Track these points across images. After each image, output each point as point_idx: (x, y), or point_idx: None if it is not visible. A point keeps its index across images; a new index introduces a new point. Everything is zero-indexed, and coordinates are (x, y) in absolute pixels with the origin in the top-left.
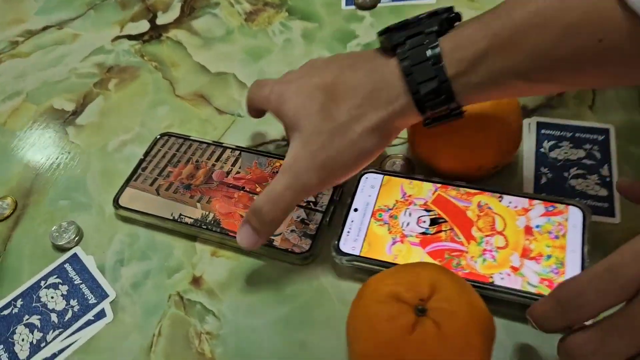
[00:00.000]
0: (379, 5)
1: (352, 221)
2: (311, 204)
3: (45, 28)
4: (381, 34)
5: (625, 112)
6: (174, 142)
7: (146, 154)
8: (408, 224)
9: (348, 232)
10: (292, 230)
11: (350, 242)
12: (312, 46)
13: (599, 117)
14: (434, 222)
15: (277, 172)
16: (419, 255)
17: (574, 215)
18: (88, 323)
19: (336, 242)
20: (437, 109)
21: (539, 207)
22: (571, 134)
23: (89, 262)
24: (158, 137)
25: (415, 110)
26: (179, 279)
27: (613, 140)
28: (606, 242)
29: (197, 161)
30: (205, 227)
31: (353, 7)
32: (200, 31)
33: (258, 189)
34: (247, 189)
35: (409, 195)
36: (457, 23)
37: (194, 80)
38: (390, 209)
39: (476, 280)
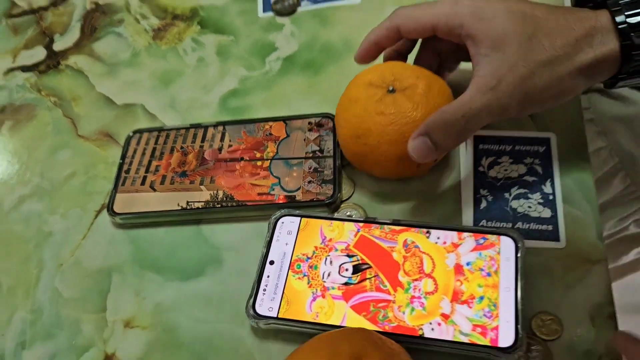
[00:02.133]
0: (298, 9)
1: (268, 276)
2: (317, 152)
3: None
4: None
5: (567, 118)
6: (149, 136)
7: (123, 156)
8: (329, 274)
9: (264, 290)
10: (310, 182)
11: (267, 302)
12: (228, 63)
13: (540, 126)
14: (357, 269)
15: (269, 134)
16: (342, 310)
17: (506, 247)
18: None
19: (251, 302)
20: None
21: (469, 240)
22: (511, 147)
23: None
24: (130, 134)
25: (618, 61)
26: (89, 358)
27: (555, 150)
28: (551, 269)
29: (182, 148)
30: (219, 205)
31: (271, 13)
32: (103, 55)
33: (257, 155)
34: (247, 158)
35: (330, 240)
36: None
37: (98, 115)
38: (309, 258)
39: (405, 335)
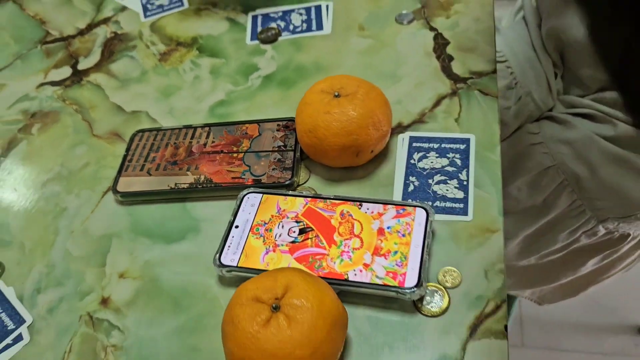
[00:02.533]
0: (279, 38)
1: (233, 237)
2: (282, 147)
3: None
4: None
5: (485, 123)
6: (149, 134)
7: (127, 150)
8: (280, 235)
9: (229, 246)
10: (274, 169)
11: (230, 255)
12: (219, 80)
13: (463, 128)
14: (302, 231)
15: (245, 133)
16: (287, 261)
17: (419, 216)
18: (6, 347)
19: (218, 255)
20: None
21: (391, 210)
22: (438, 145)
23: (9, 293)
24: (134, 133)
25: None
26: (89, 301)
27: (473, 148)
28: (459, 236)
29: (175, 143)
30: (200, 186)
31: (257, 41)
32: (117, 74)
33: (234, 149)
34: (225, 151)
35: (283, 210)
36: None
37: (110, 120)
38: (266, 223)
39: (333, 278)
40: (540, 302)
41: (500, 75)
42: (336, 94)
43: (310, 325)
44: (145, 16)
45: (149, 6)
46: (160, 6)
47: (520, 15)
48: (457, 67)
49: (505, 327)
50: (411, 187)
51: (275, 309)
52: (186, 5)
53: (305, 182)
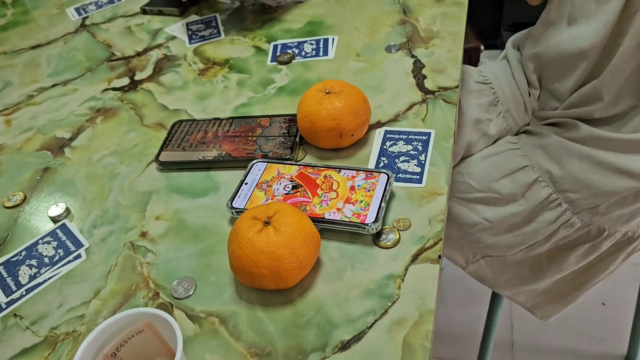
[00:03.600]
0: (293, 61)
1: (242, 190)
2: (286, 133)
3: (54, 85)
4: None
5: (445, 123)
6: (186, 124)
7: (168, 134)
8: (278, 189)
9: (239, 195)
10: (278, 148)
11: (240, 201)
12: (243, 89)
13: (427, 126)
14: (294, 187)
15: (259, 124)
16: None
17: (382, 179)
18: (69, 262)
19: (230, 202)
20: None
21: (362, 175)
22: (406, 136)
23: (73, 227)
24: (175, 122)
25: None
26: (132, 234)
27: (432, 139)
28: (413, 197)
29: (205, 130)
30: (221, 159)
31: (275, 63)
32: (165, 83)
33: (250, 134)
34: (243, 135)
35: (282, 174)
36: None
37: (156, 115)
38: (268, 182)
39: (314, 217)
40: (533, 310)
41: (486, 94)
42: (327, 91)
43: (290, 234)
44: (190, 43)
45: (193, 36)
46: (202, 36)
47: (502, 56)
48: (428, 83)
49: (439, 256)
50: (381, 164)
51: (267, 223)
52: (223, 36)
53: (301, 159)
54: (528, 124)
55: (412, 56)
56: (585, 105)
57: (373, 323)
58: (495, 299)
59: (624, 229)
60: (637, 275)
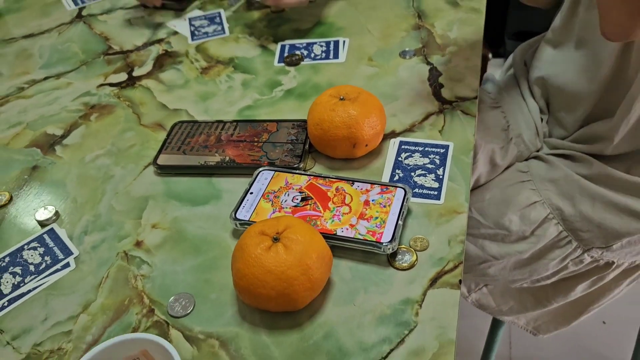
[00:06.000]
0: (302, 63)
1: (247, 200)
2: (294, 140)
3: (46, 78)
4: None
5: (463, 135)
6: (187, 125)
7: (168, 135)
8: (286, 201)
9: (243, 206)
10: (286, 156)
11: (244, 212)
12: (248, 90)
13: (445, 138)
14: (303, 199)
15: (266, 129)
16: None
17: (399, 194)
18: (56, 271)
19: (234, 212)
20: None
21: (377, 188)
22: (422, 148)
23: (61, 232)
24: (175, 123)
25: None
26: (126, 242)
27: (450, 152)
28: (431, 215)
29: (207, 132)
30: (224, 165)
31: (283, 64)
32: (165, 81)
33: (255, 139)
34: (248, 140)
35: (290, 184)
36: None
37: (155, 114)
38: (275, 192)
39: (325, 233)
40: (535, 332)
41: (495, 119)
42: (341, 97)
43: (302, 253)
44: (192, 39)
45: (196, 32)
46: (206, 33)
47: (510, 72)
48: (445, 93)
49: (460, 281)
50: (396, 177)
51: (276, 240)
52: (227, 33)
53: (310, 169)
54: (539, 150)
55: (428, 63)
56: (595, 143)
57: (389, 353)
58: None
59: (631, 259)
60: (638, 293)
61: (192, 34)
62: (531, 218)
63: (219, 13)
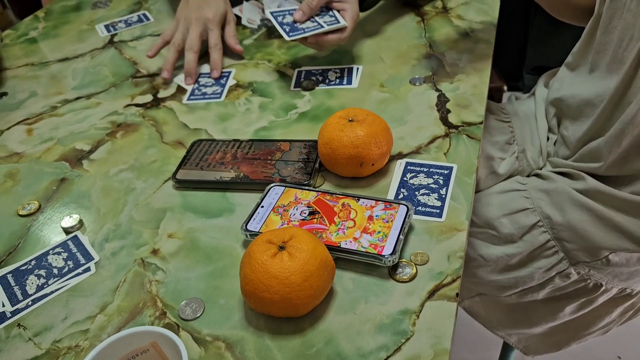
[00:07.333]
0: (316, 88)
1: (258, 213)
2: (305, 159)
3: (77, 98)
4: None
5: (467, 158)
6: (205, 143)
7: (187, 152)
8: (294, 214)
9: (254, 218)
10: (297, 173)
11: (255, 224)
12: (265, 113)
13: (449, 160)
14: (311, 213)
15: (279, 148)
16: None
17: (401, 210)
18: (77, 274)
19: (245, 224)
20: None
21: (381, 205)
22: (427, 169)
23: (84, 239)
24: (194, 141)
25: None
26: (143, 250)
27: (454, 173)
28: (432, 231)
29: (224, 150)
30: (239, 180)
31: (299, 89)
32: (187, 102)
33: (269, 157)
34: (262, 158)
35: (299, 199)
36: None
37: (177, 132)
38: (285, 206)
39: (330, 245)
40: (525, 351)
41: (503, 132)
42: (350, 119)
43: (305, 261)
44: (189, 99)
45: (195, 91)
46: (204, 93)
47: (531, 93)
48: (452, 118)
49: (457, 294)
50: (401, 196)
51: (281, 248)
52: (223, 99)
53: (320, 186)
54: (541, 168)
55: (437, 90)
56: (590, 162)
57: (385, 359)
58: (507, 346)
59: (621, 285)
60: None
61: (192, 92)
62: (521, 223)
63: (229, 73)
